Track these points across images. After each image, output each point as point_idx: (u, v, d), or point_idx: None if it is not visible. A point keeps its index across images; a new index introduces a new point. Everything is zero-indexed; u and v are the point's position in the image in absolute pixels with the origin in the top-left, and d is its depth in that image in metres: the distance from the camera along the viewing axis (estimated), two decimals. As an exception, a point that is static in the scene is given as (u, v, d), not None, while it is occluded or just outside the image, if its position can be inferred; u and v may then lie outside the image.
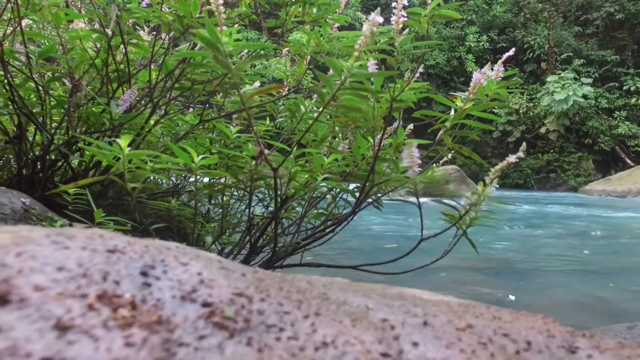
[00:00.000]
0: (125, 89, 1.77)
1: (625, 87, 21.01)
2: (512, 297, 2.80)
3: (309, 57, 2.08)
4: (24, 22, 1.81)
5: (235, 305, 0.46)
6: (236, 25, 1.87)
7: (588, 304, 2.79)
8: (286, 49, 2.31)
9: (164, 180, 2.39)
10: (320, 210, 2.01)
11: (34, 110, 1.78)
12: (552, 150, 20.92)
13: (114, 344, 0.37)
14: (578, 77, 20.52)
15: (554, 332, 0.52)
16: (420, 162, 1.53)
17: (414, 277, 2.88)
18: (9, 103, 1.73)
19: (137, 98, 1.80)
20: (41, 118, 1.83)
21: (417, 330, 0.48)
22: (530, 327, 0.52)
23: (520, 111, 20.99)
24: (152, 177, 2.03)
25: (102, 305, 0.41)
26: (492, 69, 1.63)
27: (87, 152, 1.75)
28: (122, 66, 1.80)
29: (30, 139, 1.88)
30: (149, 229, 1.48)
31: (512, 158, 1.38)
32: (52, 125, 1.87)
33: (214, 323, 0.43)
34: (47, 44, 1.78)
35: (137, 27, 2.26)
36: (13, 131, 1.82)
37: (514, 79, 1.68)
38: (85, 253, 0.48)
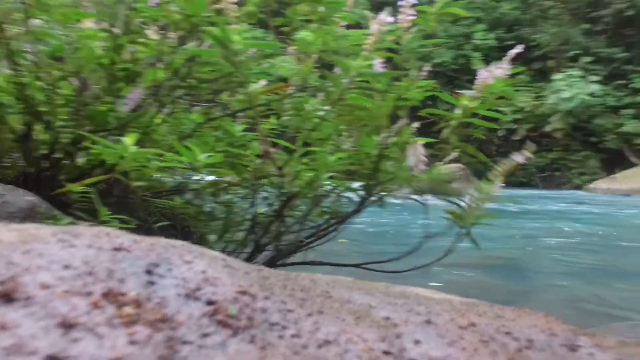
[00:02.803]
0: (132, 87, 1.78)
1: (632, 85, 20.83)
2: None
3: (315, 55, 2.08)
4: (33, 21, 1.82)
5: (239, 303, 0.46)
6: (243, 23, 1.87)
7: (590, 303, 2.77)
8: (293, 47, 2.31)
9: (168, 179, 2.40)
10: (324, 209, 2.01)
11: (42, 109, 1.79)
12: (557, 149, 20.79)
13: (118, 342, 0.38)
14: (585, 75, 20.37)
15: (555, 331, 0.52)
16: (426, 160, 1.53)
17: (418, 276, 2.88)
18: (18, 102, 1.74)
19: (144, 97, 1.81)
20: (48, 117, 1.84)
21: (420, 328, 0.49)
22: (533, 325, 0.52)
23: (526, 109, 20.87)
24: (156, 176, 2.03)
25: (107, 303, 0.42)
26: (499, 67, 1.63)
27: (93, 151, 1.76)
28: (129, 65, 1.80)
29: (37, 137, 1.89)
30: (153, 227, 1.49)
31: (519, 158, 1.38)
32: (59, 124, 1.88)
33: (218, 321, 0.43)
34: (55, 43, 1.79)
35: (145, 26, 2.27)
36: (21, 130, 1.84)
37: (521, 77, 1.67)
38: (91, 251, 0.48)
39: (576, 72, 20.11)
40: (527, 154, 1.39)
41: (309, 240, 1.80)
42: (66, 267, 0.45)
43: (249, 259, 1.72)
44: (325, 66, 1.70)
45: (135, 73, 1.76)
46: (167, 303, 0.44)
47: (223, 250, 1.82)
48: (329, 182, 1.75)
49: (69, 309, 0.39)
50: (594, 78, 20.18)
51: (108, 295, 0.43)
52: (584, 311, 2.62)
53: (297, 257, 1.86)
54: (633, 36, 21.97)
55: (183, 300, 0.45)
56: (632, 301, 2.84)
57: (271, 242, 1.83)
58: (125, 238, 0.54)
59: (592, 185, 17.05)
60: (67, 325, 0.38)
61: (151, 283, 0.47)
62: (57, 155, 1.82)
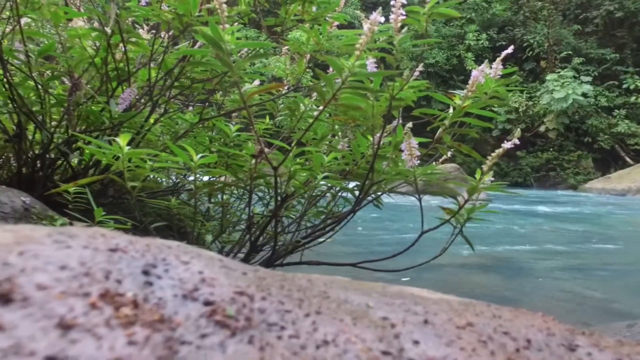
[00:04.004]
0: (124, 87, 1.77)
1: (624, 86, 21.01)
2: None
3: (308, 55, 2.08)
4: (23, 20, 1.81)
5: (237, 303, 0.46)
6: (236, 23, 1.87)
7: (588, 302, 2.79)
8: (286, 47, 2.31)
9: (163, 179, 2.39)
10: (320, 209, 2.01)
11: (34, 109, 1.78)
12: (551, 149, 20.93)
13: (116, 343, 0.37)
14: (577, 76, 20.52)
15: (553, 330, 0.52)
16: (419, 153, 1.55)
17: (414, 276, 2.89)
18: (9, 102, 1.73)
19: (137, 96, 1.80)
20: (40, 117, 1.82)
21: (418, 328, 0.49)
22: (530, 325, 0.53)
23: (520, 109, 20.99)
24: (151, 176, 2.03)
25: (104, 304, 0.41)
26: (491, 67, 1.63)
27: (87, 151, 1.75)
28: (121, 65, 1.79)
29: (30, 137, 1.88)
30: (149, 227, 1.49)
31: (507, 144, 1.43)
32: (52, 123, 1.87)
33: (216, 321, 0.43)
34: (46, 42, 1.78)
35: (137, 26, 2.26)
36: (13, 130, 1.82)
37: (513, 77, 1.68)
38: (87, 252, 0.48)
39: (568, 73, 20.26)
40: (516, 140, 1.43)
41: (305, 240, 1.80)
42: (62, 268, 0.44)
43: (246, 260, 1.71)
44: (319, 66, 1.70)
45: (127, 72, 1.75)
46: (164, 304, 0.44)
47: (220, 251, 1.82)
48: (324, 182, 1.75)
49: (66, 310, 0.39)
50: (586, 79, 20.34)
51: (105, 296, 0.42)
52: (582, 310, 2.64)
53: (294, 257, 1.86)
54: (623, 37, 22.15)
55: (181, 301, 0.45)
56: (630, 300, 2.86)
57: (268, 242, 1.82)
58: (121, 239, 0.53)
59: (587, 185, 17.19)
60: (65, 327, 0.37)
61: (148, 284, 0.46)
62: (50, 156, 1.80)
